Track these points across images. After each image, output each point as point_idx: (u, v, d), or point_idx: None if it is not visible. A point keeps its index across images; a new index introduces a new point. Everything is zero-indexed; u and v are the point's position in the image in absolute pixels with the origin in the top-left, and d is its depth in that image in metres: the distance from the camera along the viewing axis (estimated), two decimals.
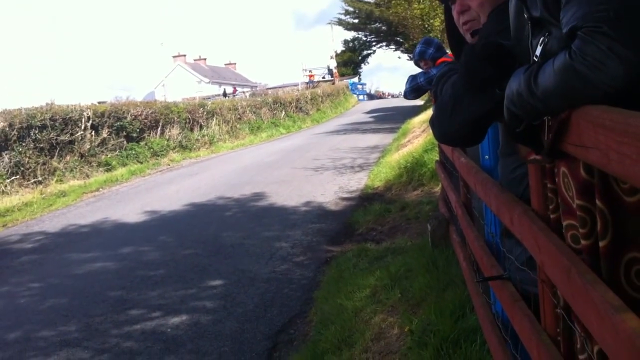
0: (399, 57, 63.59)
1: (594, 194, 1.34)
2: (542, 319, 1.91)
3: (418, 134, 15.87)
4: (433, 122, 2.25)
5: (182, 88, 60.29)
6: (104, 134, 18.46)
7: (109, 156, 18.29)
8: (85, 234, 9.90)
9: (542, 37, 1.39)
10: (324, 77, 62.16)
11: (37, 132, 16.12)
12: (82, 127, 17.59)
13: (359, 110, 43.46)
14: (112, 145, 18.74)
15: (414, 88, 6.13)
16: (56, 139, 16.63)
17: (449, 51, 5.88)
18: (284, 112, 33.61)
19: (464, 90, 1.98)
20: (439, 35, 24.45)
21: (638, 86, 1.16)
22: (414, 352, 3.67)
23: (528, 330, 1.99)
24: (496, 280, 2.59)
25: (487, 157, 3.43)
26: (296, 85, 51.99)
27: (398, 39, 43.25)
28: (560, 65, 1.23)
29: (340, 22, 50.91)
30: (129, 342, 5.21)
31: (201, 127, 24.31)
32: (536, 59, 1.39)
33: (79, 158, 17.34)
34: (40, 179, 15.65)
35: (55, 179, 15.95)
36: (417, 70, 6.35)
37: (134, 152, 19.30)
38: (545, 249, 1.65)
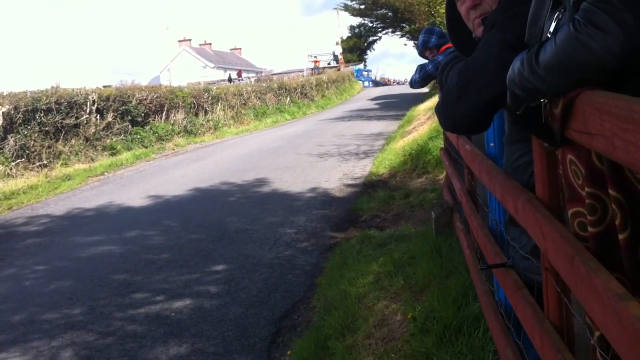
0: (405, 44, 63.34)
1: (605, 182, 1.33)
2: (545, 306, 1.92)
3: (423, 121, 15.83)
4: (439, 110, 2.25)
5: (187, 73, 60.19)
6: (109, 118, 18.44)
7: (114, 140, 18.28)
8: (90, 217, 9.93)
9: (557, 12, 1.40)
10: (329, 63, 61.84)
11: (42, 115, 16.11)
12: (87, 111, 17.57)
13: (364, 97, 43.32)
14: (117, 129, 18.72)
15: (423, 77, 6.20)
16: (61, 123, 16.63)
17: None
18: (289, 98, 33.53)
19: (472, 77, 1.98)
20: (444, 21, 24.36)
21: (634, 63, 1.16)
22: (417, 338, 3.68)
23: (531, 318, 2.00)
24: (500, 268, 2.59)
25: (492, 144, 3.43)
26: (301, 71, 51.82)
27: (404, 25, 43.09)
28: (564, 36, 1.24)
29: (346, 8, 50.75)
30: (133, 325, 5.24)
31: (206, 112, 24.26)
32: (549, 35, 1.40)
33: (84, 142, 17.34)
34: (45, 162, 15.67)
35: (60, 163, 15.97)
36: (423, 60, 6.37)
37: (138, 137, 19.28)
38: (549, 237, 1.65)
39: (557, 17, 1.40)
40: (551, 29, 1.41)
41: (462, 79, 2.02)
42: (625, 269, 1.31)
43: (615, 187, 1.29)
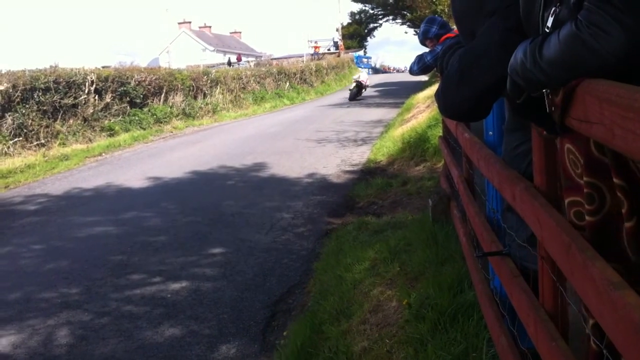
0: (406, 32, 63.06)
1: (603, 172, 1.34)
2: (540, 295, 1.93)
3: (422, 109, 15.82)
4: (438, 96, 2.25)
5: (186, 55, 59.85)
6: (108, 98, 18.37)
7: (112, 121, 18.22)
8: (87, 197, 9.92)
9: (553, 7, 1.40)
10: (329, 50, 61.62)
11: (40, 94, 16.03)
12: (86, 91, 17.50)
13: None
14: (116, 110, 18.65)
15: (422, 68, 6.19)
16: (59, 102, 16.56)
17: (453, 27, 5.89)
18: (288, 83, 33.46)
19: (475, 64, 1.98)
20: (445, 10, 24.28)
21: (636, 62, 1.17)
22: (412, 324, 3.69)
23: (526, 306, 2.01)
24: (496, 256, 2.60)
25: (491, 133, 3.43)
26: (301, 56, 51.65)
27: (405, 12, 42.91)
28: (566, 34, 1.25)
29: None
30: (128, 306, 5.26)
31: (205, 96, 24.21)
32: (547, 30, 1.40)
33: (82, 122, 17.29)
34: (43, 141, 15.62)
35: (58, 142, 15.92)
36: (424, 49, 6.36)
37: (137, 118, 19.22)
38: (546, 225, 1.66)
39: (553, 11, 1.40)
40: (549, 24, 1.41)
41: (463, 65, 2.03)
42: (631, 258, 1.32)
43: (619, 175, 1.29)
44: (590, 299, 1.29)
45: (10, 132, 15.10)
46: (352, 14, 64.33)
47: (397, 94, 28.29)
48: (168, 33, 70.49)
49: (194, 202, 8.91)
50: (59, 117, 16.58)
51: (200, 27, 78.31)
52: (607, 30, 1.15)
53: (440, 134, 7.42)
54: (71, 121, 16.92)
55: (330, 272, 5.41)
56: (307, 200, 8.67)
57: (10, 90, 15.45)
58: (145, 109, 20.04)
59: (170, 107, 21.26)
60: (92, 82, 17.80)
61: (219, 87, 25.53)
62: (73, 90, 17.12)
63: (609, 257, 1.29)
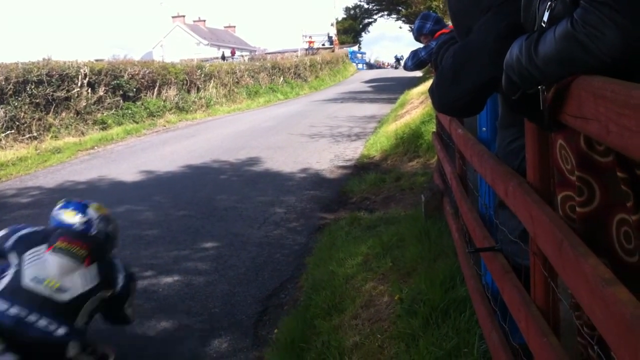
0: (400, 27, 62.97)
1: (593, 167, 1.35)
2: (532, 290, 1.93)
3: (416, 105, 15.83)
4: (433, 91, 2.25)
5: (180, 49, 59.73)
6: (101, 92, 18.28)
7: (104, 114, 18.14)
8: (79, 191, 9.86)
9: (549, 1, 1.40)
10: (323, 45, 61.63)
11: (33, 87, 15.92)
12: (79, 84, 17.41)
13: (357, 79, 43.20)
14: (108, 103, 18.57)
15: (416, 63, 6.19)
16: (52, 95, 16.46)
17: (448, 22, 5.89)
18: (282, 78, 33.42)
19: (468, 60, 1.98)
20: (440, 5, 24.28)
21: (633, 61, 1.17)
22: (403, 320, 3.70)
23: (517, 302, 2.01)
24: (487, 252, 2.60)
25: (484, 129, 3.43)
26: (295, 51, 51.64)
27: (400, 8, 42.88)
28: (562, 33, 1.25)
29: None
30: None
31: (198, 90, 24.13)
32: (543, 25, 1.40)
33: (75, 115, 17.20)
34: (35, 134, 15.54)
35: (50, 135, 15.85)
36: (419, 45, 6.37)
37: (130, 112, 19.15)
38: (538, 221, 1.66)
39: (549, 6, 1.40)
40: (545, 18, 1.41)
41: (457, 62, 2.02)
42: (619, 253, 1.33)
43: (623, 169, 1.30)
44: (582, 295, 1.29)
45: (2, 124, 15.01)
46: (347, 9, 64.41)
47: (391, 89, 28.31)
48: (162, 27, 70.30)
49: (186, 196, 8.89)
50: (52, 110, 16.48)
51: (194, 21, 78.17)
52: (603, 30, 1.14)
53: (434, 129, 7.42)
54: (64, 114, 16.84)
55: (323, 267, 5.40)
56: (300, 195, 8.67)
57: (3, 83, 15.35)
58: (139, 103, 19.96)
59: (164, 101, 21.19)
60: (85, 75, 17.71)
61: (212, 81, 25.45)
62: (66, 83, 17.02)
63: (597, 252, 1.29)
